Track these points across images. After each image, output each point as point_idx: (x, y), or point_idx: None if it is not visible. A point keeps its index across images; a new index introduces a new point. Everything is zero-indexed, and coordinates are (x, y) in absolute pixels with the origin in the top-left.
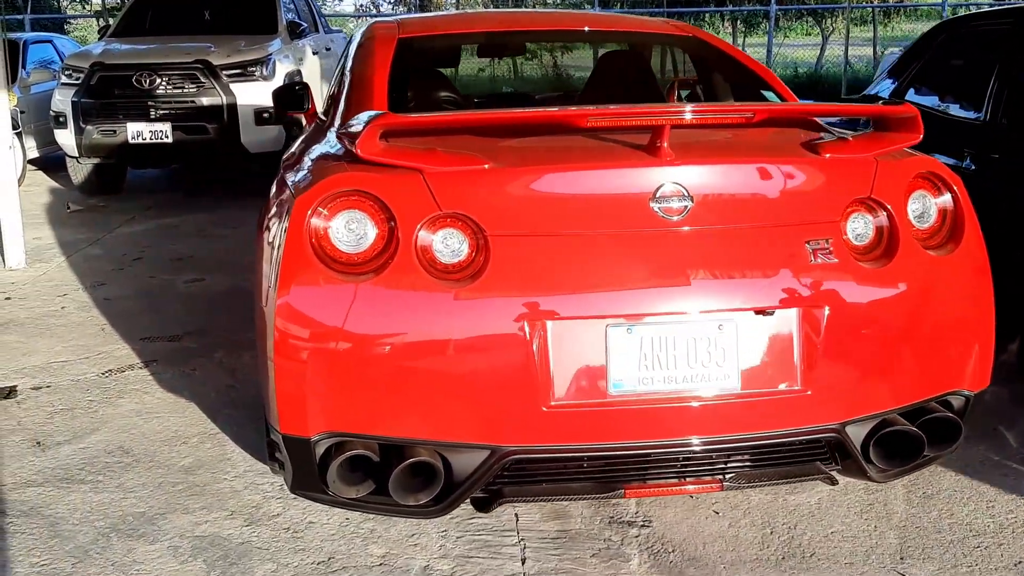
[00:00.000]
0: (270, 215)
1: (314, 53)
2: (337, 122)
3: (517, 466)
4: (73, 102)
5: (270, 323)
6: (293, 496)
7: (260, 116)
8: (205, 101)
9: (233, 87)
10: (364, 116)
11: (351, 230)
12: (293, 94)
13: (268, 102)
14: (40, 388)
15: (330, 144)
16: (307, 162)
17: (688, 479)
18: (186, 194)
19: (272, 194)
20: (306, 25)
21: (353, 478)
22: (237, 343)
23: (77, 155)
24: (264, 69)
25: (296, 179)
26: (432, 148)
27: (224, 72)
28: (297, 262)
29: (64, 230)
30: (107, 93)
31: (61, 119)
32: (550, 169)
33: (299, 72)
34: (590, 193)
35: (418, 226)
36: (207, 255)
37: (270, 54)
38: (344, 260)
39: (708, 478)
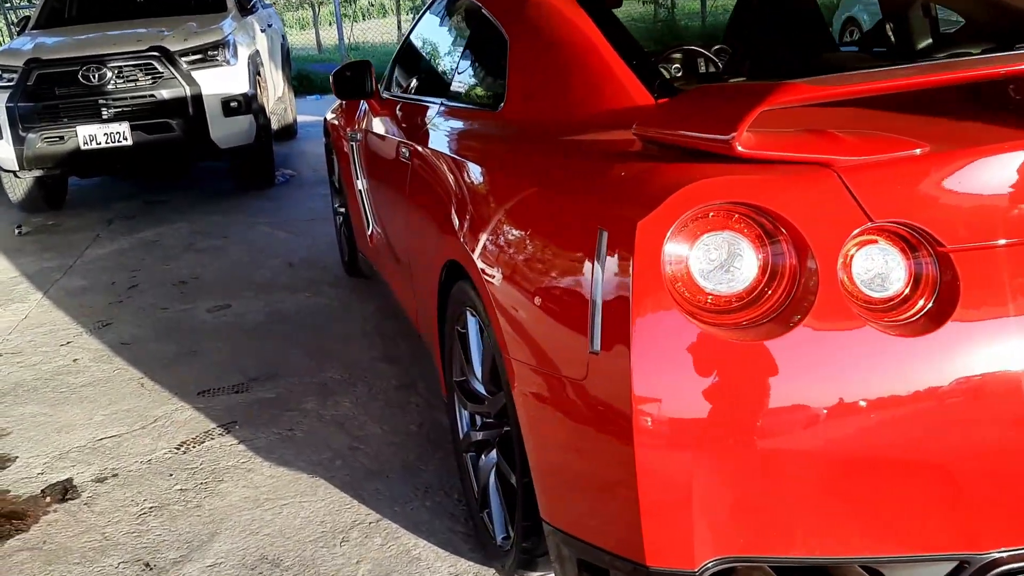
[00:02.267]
0: (540, 250)
1: (262, 31)
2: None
3: None
4: (8, 108)
5: (613, 410)
6: None
7: (228, 106)
8: (166, 94)
9: (196, 75)
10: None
11: (726, 263)
12: (356, 76)
13: (235, 89)
14: (105, 479)
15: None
16: (584, 168)
17: None
18: (145, 201)
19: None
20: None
21: None
22: (324, 387)
23: (16, 169)
24: (226, 52)
25: (596, 194)
26: (823, 132)
27: (183, 59)
28: (656, 316)
29: (23, 259)
30: (48, 94)
31: None
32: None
33: (257, 53)
34: None
35: (844, 247)
36: (213, 275)
37: (228, 34)
38: (716, 307)
39: None
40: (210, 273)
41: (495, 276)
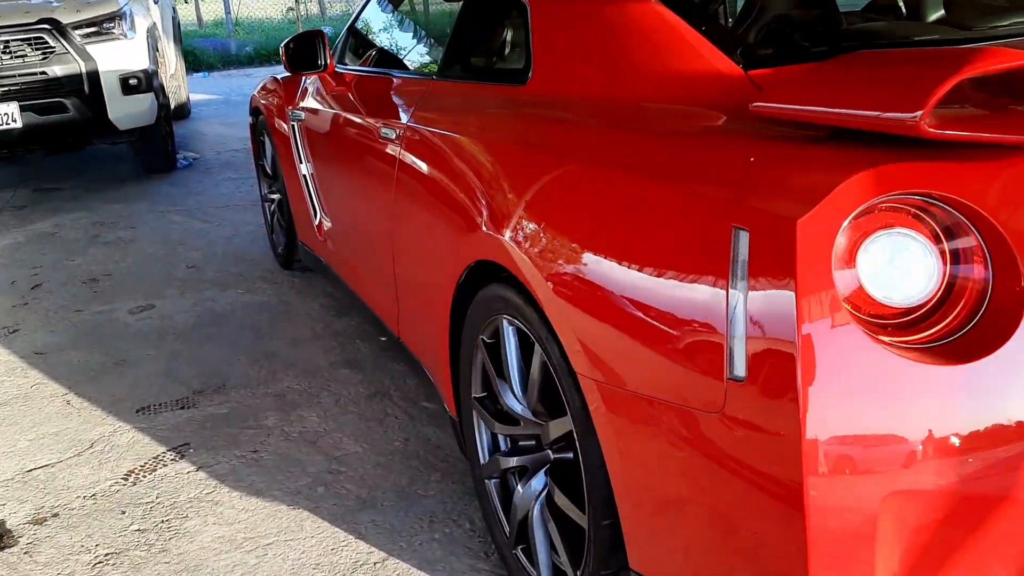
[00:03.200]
0: (633, 250)
1: (155, 2)
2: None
3: None
4: None
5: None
6: None
7: (127, 84)
8: (59, 70)
9: (91, 50)
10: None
11: (906, 268)
12: (309, 47)
13: (134, 65)
14: (44, 520)
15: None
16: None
17: None
18: (36, 189)
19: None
20: None
21: None
22: (282, 398)
23: None
24: (123, 24)
25: (717, 184)
26: (1001, 110)
27: (76, 32)
28: (831, 335)
29: None
30: None
31: None
32: None
33: (155, 25)
34: None
35: None
36: (127, 271)
37: (124, 5)
38: (898, 322)
39: None
40: (123, 269)
41: (561, 281)
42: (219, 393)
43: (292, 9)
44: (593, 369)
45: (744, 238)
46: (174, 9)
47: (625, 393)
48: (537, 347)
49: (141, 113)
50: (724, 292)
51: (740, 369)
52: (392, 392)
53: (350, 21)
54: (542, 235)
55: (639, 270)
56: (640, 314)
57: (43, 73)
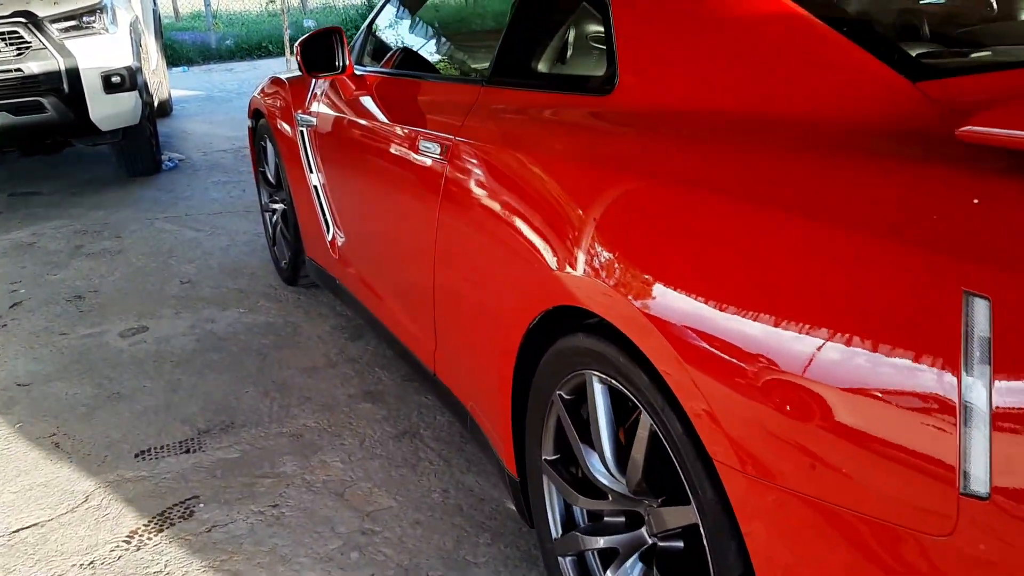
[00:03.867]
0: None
1: None
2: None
3: None
4: None
5: None
6: None
7: (110, 81)
8: (35, 67)
9: (70, 45)
10: None
11: None
12: (325, 47)
13: (117, 62)
14: None
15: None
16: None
17: None
18: (11, 194)
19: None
20: None
21: None
22: (299, 439)
23: None
24: (104, 18)
25: (925, 232)
26: None
27: (54, 25)
28: None
29: None
30: None
31: None
32: None
33: (138, 19)
34: None
35: None
36: (115, 287)
37: None
38: None
39: None
40: (111, 285)
41: (693, 341)
42: (228, 433)
43: (272, 1)
44: (740, 457)
45: (982, 309)
46: (155, 1)
47: (792, 495)
48: (644, 415)
49: (125, 113)
50: (954, 379)
51: (981, 483)
52: (422, 431)
53: (370, 17)
54: (661, 281)
55: (815, 337)
56: (819, 395)
57: (18, 70)
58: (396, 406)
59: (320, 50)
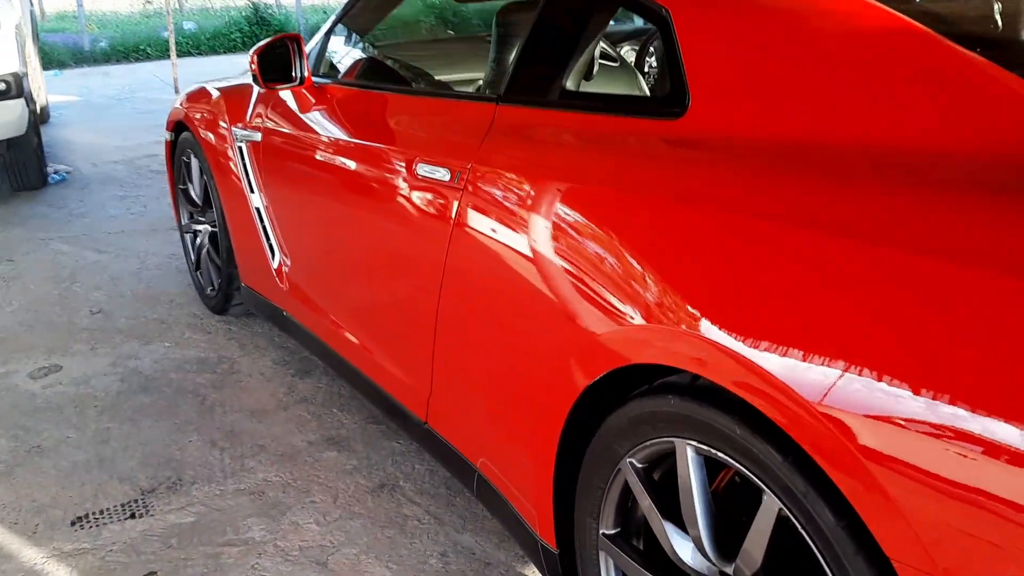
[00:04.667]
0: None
1: None
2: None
3: None
4: None
5: None
6: None
7: None
8: None
9: None
10: None
11: None
12: (282, 56)
13: (1, 68)
14: None
15: None
16: None
17: None
18: None
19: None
20: None
21: None
22: (262, 496)
23: None
24: None
25: None
26: None
27: None
28: None
29: None
30: None
31: None
32: None
33: (22, 21)
34: None
35: None
36: (14, 319)
37: None
38: None
39: None
40: (9, 317)
41: (865, 418)
42: (176, 492)
43: (149, 2)
44: (932, 560)
45: None
46: (31, 2)
47: None
48: (770, 497)
49: (10, 123)
50: None
51: None
52: (401, 483)
53: (329, 22)
54: (801, 339)
55: None
56: None
57: None
58: (366, 454)
59: (274, 59)
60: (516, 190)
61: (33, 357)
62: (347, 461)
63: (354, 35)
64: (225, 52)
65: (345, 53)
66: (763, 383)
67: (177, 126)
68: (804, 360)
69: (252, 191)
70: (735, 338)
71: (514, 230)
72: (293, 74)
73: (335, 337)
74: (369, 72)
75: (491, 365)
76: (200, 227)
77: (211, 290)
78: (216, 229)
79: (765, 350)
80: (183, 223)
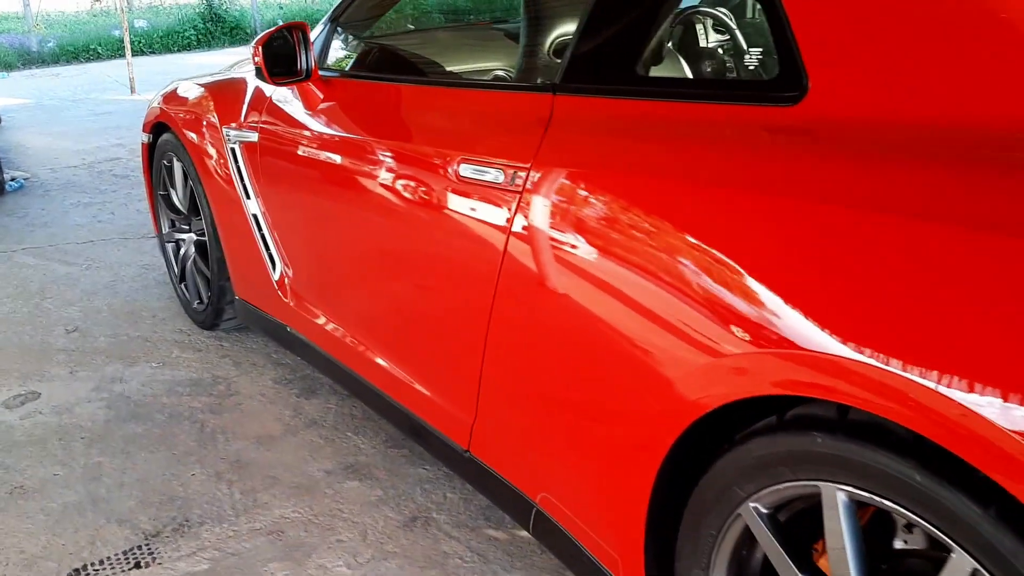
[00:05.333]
0: None
1: None
2: None
3: None
4: None
5: None
6: None
7: None
8: None
9: None
10: None
11: None
12: (284, 47)
13: None
14: None
15: None
16: None
17: None
18: None
19: None
20: None
21: None
22: (281, 535)
23: None
24: None
25: None
26: None
27: None
28: None
29: None
30: None
31: None
32: None
33: None
34: None
35: None
36: None
37: None
38: None
39: None
40: None
41: None
42: (184, 535)
43: (98, 1)
44: None
45: None
46: None
47: None
48: (961, 556)
49: None
50: None
51: None
52: (435, 514)
53: (335, 9)
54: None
55: None
56: None
57: None
58: (391, 482)
59: (276, 52)
60: (591, 192)
61: (7, 383)
62: (371, 491)
63: (364, 22)
64: (179, 50)
65: (355, 42)
66: (949, 416)
67: (156, 127)
68: (1005, 388)
69: (248, 197)
70: (907, 368)
71: (592, 238)
72: (298, 67)
73: (351, 355)
74: (385, 63)
75: (559, 392)
76: (184, 236)
77: (198, 304)
78: (203, 238)
79: (948, 376)
80: (164, 232)
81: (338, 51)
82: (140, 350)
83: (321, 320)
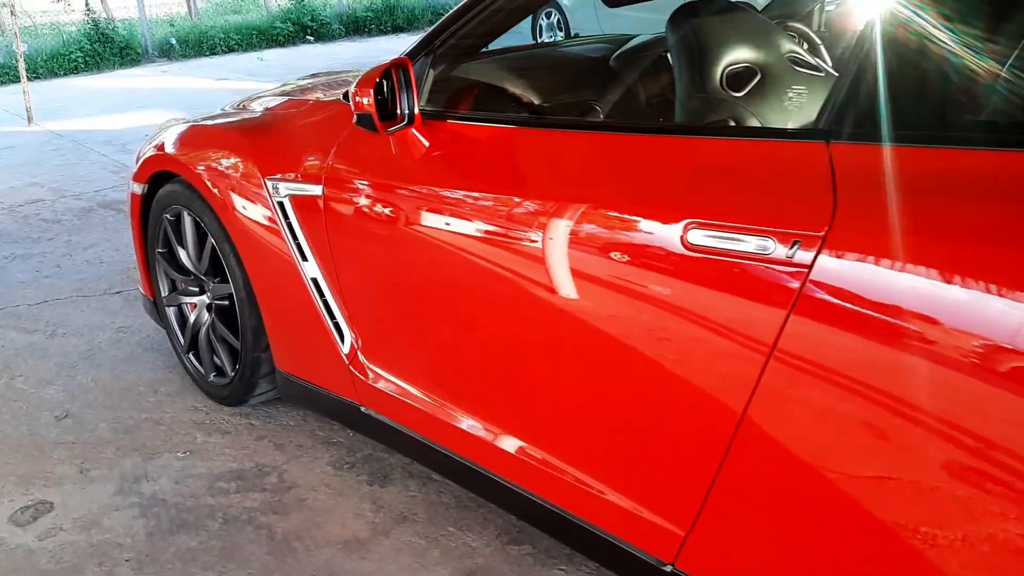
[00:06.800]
0: None
1: None
2: None
3: None
4: None
5: None
6: None
7: None
8: None
9: None
10: None
11: None
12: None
13: None
14: None
15: None
16: None
17: None
18: None
19: None
20: None
21: None
22: None
23: None
24: None
25: None
26: None
27: None
28: None
29: None
30: None
31: None
32: None
33: None
34: None
35: None
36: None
37: None
38: None
39: None
40: None
41: None
42: None
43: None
44: None
45: None
46: None
47: None
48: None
49: None
50: None
51: None
52: None
53: (427, 37)
54: None
55: None
56: None
57: None
58: None
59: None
60: (943, 271)
61: (6, 491)
62: None
63: (467, 52)
64: (66, 74)
65: (460, 78)
66: None
67: (156, 177)
68: None
69: (305, 258)
70: None
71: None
72: (400, 111)
73: (468, 443)
74: (517, 100)
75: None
76: (192, 299)
77: (216, 376)
78: (220, 302)
79: None
80: (162, 294)
81: (440, 89)
82: (155, 437)
83: (407, 397)
